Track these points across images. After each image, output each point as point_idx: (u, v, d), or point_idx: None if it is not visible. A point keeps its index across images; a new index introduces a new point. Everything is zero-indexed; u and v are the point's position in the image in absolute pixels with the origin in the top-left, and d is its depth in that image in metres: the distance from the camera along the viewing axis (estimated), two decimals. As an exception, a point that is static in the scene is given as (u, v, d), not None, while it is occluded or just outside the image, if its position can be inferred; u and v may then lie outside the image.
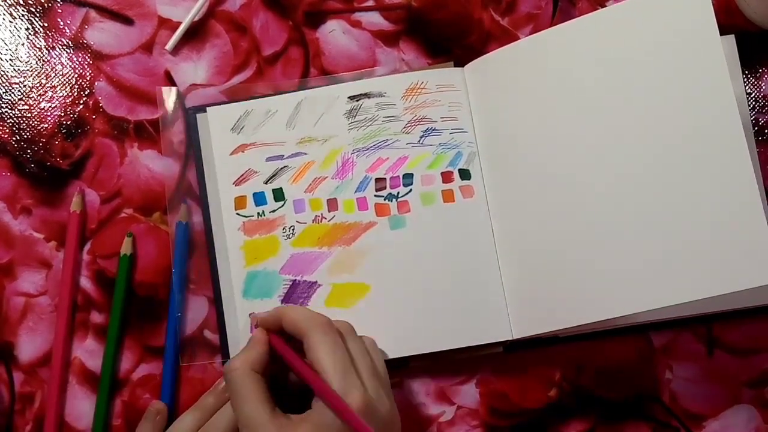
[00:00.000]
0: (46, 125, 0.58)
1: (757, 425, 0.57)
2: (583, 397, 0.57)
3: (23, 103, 0.59)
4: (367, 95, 0.57)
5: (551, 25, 0.60)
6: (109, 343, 0.56)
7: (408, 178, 0.56)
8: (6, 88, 0.59)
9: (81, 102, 0.59)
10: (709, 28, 0.49)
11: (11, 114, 0.59)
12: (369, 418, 0.46)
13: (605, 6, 0.60)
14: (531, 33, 0.59)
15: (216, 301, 0.56)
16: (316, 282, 0.55)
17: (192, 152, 0.57)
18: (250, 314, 0.55)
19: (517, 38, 0.59)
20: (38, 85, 0.59)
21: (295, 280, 0.55)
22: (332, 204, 0.56)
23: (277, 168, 0.56)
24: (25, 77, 0.59)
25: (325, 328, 0.49)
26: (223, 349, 0.55)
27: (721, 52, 0.49)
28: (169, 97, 0.58)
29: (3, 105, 0.59)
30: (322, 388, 0.46)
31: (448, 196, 0.56)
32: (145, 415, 0.55)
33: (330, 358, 0.47)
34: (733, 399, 0.57)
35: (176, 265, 0.56)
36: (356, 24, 0.60)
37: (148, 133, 0.58)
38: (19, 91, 0.59)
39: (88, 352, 0.56)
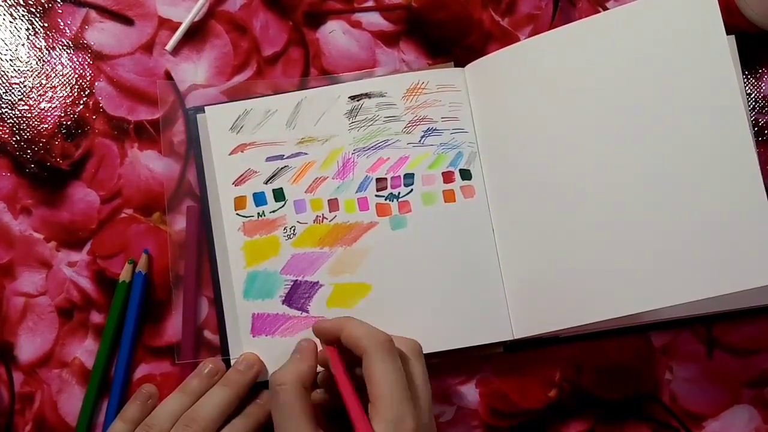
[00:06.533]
0: (47, 125, 0.58)
1: (757, 425, 0.57)
2: (583, 397, 0.57)
3: (23, 103, 0.59)
4: (367, 95, 0.57)
5: (551, 25, 0.60)
6: (101, 352, 0.56)
7: (409, 178, 0.56)
8: (6, 88, 0.59)
9: (81, 102, 0.59)
10: (716, 30, 0.49)
11: (11, 114, 0.58)
12: None
13: (605, 6, 0.60)
14: (531, 34, 0.60)
15: (216, 302, 0.56)
16: (317, 282, 0.55)
17: (192, 152, 0.57)
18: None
19: (517, 39, 0.59)
20: (38, 85, 0.59)
21: (297, 280, 0.55)
22: (333, 204, 0.56)
23: (277, 168, 0.56)
24: (25, 77, 0.59)
25: (387, 348, 0.47)
26: (223, 349, 0.55)
27: (728, 54, 0.49)
28: (170, 94, 0.58)
29: (3, 105, 0.59)
30: (360, 424, 0.44)
31: (449, 196, 0.56)
32: (135, 395, 0.54)
33: (388, 383, 0.45)
34: (733, 399, 0.58)
35: (129, 320, 0.55)
36: (356, 24, 0.60)
37: (148, 134, 0.58)
38: (19, 91, 0.59)
39: (89, 352, 0.56)
